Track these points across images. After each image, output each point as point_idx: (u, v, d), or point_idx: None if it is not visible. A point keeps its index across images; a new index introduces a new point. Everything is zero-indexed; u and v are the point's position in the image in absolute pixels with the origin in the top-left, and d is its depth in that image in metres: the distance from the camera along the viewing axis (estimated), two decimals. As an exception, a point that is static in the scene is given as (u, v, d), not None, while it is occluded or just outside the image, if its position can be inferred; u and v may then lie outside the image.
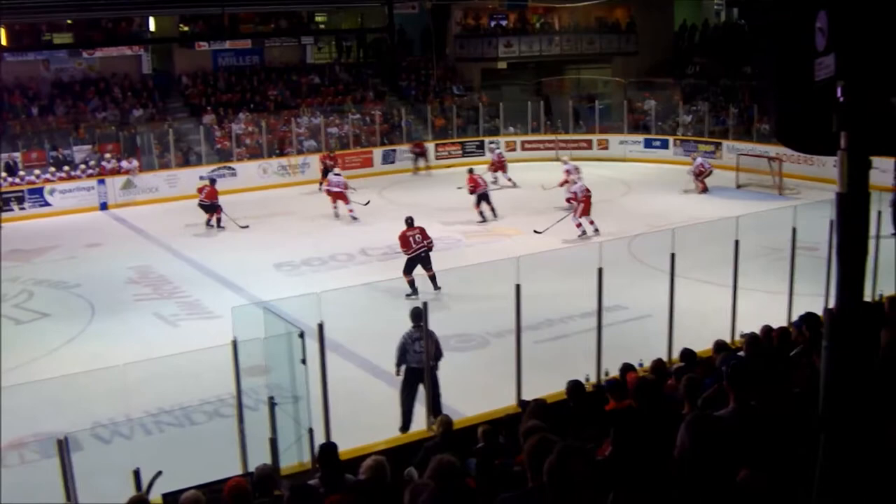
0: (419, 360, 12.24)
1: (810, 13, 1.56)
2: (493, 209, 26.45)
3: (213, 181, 28.13)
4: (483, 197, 26.50)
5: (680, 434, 4.53)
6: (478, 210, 26.28)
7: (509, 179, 32.02)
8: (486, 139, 38.32)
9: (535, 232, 23.31)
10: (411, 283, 18.82)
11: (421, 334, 12.10)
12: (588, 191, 24.16)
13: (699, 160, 30.09)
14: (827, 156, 1.61)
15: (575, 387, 9.49)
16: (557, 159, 32.40)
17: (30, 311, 19.42)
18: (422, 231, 19.31)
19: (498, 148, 35.02)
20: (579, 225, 23.95)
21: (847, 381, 1.60)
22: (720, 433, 4.56)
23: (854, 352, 1.58)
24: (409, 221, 19.51)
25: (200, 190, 27.39)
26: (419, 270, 18.94)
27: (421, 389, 12.27)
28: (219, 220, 26.94)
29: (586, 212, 24.02)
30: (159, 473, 8.50)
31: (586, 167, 32.61)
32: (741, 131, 34.56)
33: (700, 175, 29.25)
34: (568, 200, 24.84)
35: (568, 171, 27.80)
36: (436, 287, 18.78)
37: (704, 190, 29.02)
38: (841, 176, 1.52)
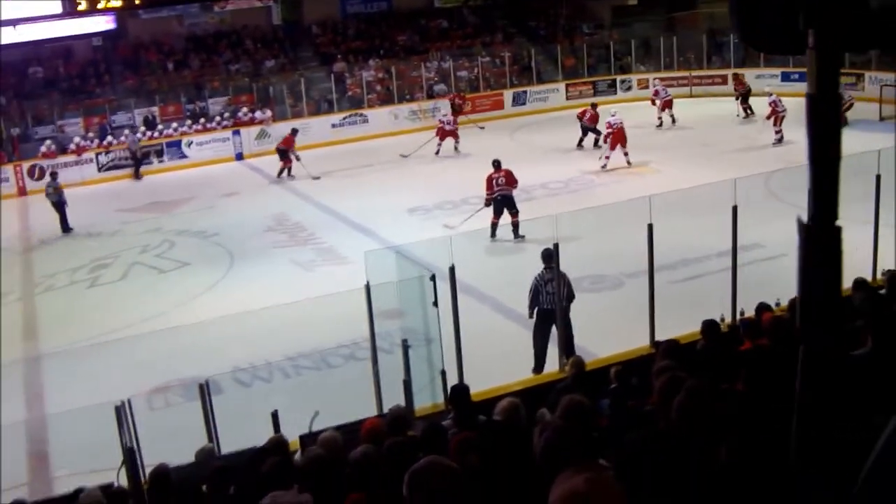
0: (551, 302, 12.18)
1: None
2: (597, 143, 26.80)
3: (294, 131, 28.75)
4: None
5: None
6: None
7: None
8: (619, 77, 37.72)
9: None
10: (493, 227, 18.84)
11: (553, 276, 12.03)
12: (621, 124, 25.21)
13: (845, 94, 29.07)
14: (794, 55, 1.50)
15: (710, 326, 9.31)
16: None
17: (172, 260, 20.01)
18: (507, 174, 19.21)
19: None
20: (608, 157, 25.02)
21: (820, 299, 1.52)
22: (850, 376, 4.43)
23: (828, 264, 1.50)
24: (496, 164, 19.48)
25: (282, 137, 28.42)
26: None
27: (554, 331, 12.23)
28: (289, 170, 27.67)
29: (615, 145, 25.05)
30: (317, 413, 8.71)
31: (720, 102, 31.98)
32: (885, 62, 33.19)
33: (840, 108, 28.23)
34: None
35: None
36: (517, 236, 18.68)
37: (845, 123, 27.99)
38: (810, 76, 1.42)
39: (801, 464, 1.71)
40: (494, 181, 19.07)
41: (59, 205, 23.63)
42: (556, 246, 11.73)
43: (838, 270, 1.53)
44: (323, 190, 25.31)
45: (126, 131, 31.36)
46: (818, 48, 1.41)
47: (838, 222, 1.51)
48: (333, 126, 33.35)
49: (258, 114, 32.81)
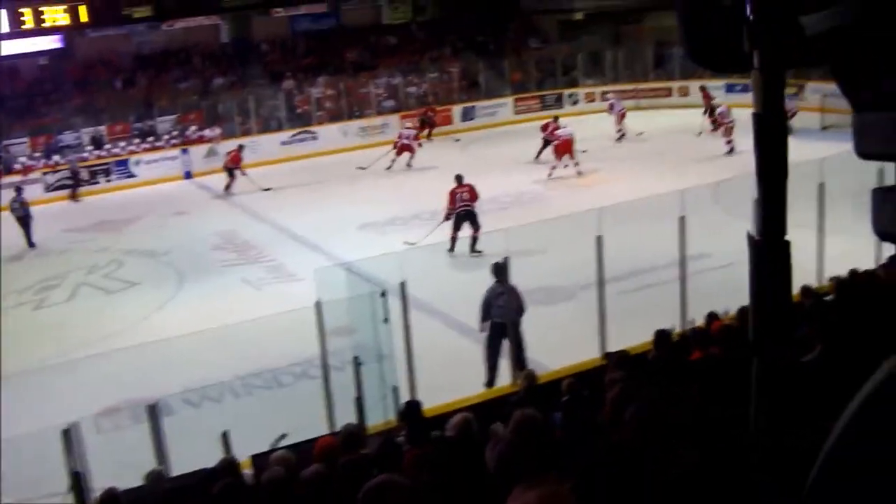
0: (502, 315, 12.19)
1: None
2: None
3: (240, 147, 28.82)
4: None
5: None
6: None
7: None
8: (566, 91, 37.97)
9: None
10: (453, 240, 18.82)
11: (503, 289, 12.06)
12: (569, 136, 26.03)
13: (788, 104, 29.39)
14: (740, 73, 1.55)
15: (661, 336, 9.36)
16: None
17: (120, 280, 19.79)
18: (470, 189, 19.25)
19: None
20: (553, 167, 25.83)
21: (771, 311, 1.55)
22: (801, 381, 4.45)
23: (778, 277, 1.53)
24: (459, 178, 19.52)
25: (228, 153, 28.46)
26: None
27: (506, 344, 12.24)
28: (228, 186, 27.78)
29: (561, 155, 25.88)
30: (283, 435, 8.64)
31: (667, 115, 32.30)
32: (826, 72, 33.56)
33: (789, 114, 28.59)
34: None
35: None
36: (473, 250, 18.70)
37: (789, 132, 28.19)
38: (755, 96, 1.46)
39: (760, 473, 1.73)
40: (458, 196, 19.08)
41: (25, 220, 23.41)
42: (507, 259, 11.76)
43: (788, 283, 1.56)
44: (272, 207, 25.18)
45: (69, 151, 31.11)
46: (762, 68, 1.45)
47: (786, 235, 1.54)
48: (283, 143, 33.20)
49: (207, 132, 32.58)
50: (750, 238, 1.53)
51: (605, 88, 37.64)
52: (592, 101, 37.22)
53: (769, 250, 1.52)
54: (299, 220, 23.21)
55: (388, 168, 28.66)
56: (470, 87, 37.88)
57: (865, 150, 1.37)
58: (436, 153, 30.21)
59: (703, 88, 32.65)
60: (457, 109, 36.66)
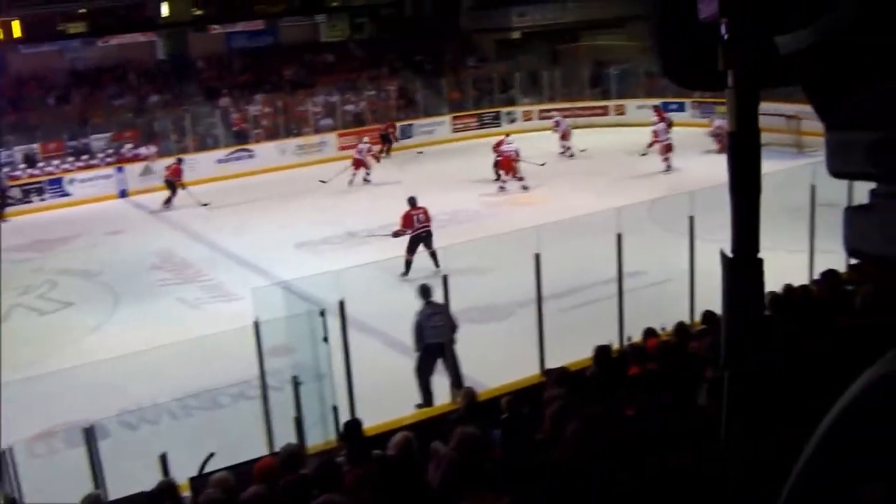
0: (437, 336, 12.21)
1: None
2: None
3: (179, 160, 28.98)
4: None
5: (701, 397, 4.51)
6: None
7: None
8: (503, 109, 38.19)
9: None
10: (408, 264, 18.76)
11: (434, 309, 12.13)
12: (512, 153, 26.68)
13: (717, 121, 29.76)
14: (716, 91, 1.60)
15: (601, 351, 9.44)
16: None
17: (54, 301, 19.50)
18: (425, 212, 19.31)
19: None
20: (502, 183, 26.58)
21: (745, 325, 1.60)
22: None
23: (751, 293, 1.58)
24: (412, 201, 19.49)
25: (167, 167, 28.52)
26: (420, 249, 19.00)
27: (442, 364, 12.27)
28: (168, 200, 27.80)
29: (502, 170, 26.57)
30: (212, 455, 8.55)
31: (604, 133, 32.62)
32: (766, 93, 34.08)
33: (719, 136, 28.99)
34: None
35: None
36: (436, 265, 18.70)
37: (723, 150, 28.46)
38: (730, 115, 1.51)
39: (735, 488, 1.78)
40: (415, 218, 19.07)
41: None
42: (446, 277, 11.79)
43: (761, 299, 1.61)
44: (209, 226, 25.00)
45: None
46: (736, 87, 1.49)
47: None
48: (219, 161, 33.01)
49: (142, 150, 32.30)
50: (723, 255, 1.57)
51: (542, 107, 37.97)
52: (530, 119, 37.54)
53: (743, 267, 1.57)
54: (236, 238, 23.08)
55: (350, 183, 28.68)
56: (408, 106, 37.97)
57: (839, 170, 1.41)
58: (373, 173, 30.20)
59: (656, 108, 32.92)
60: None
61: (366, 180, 29.11)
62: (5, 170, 30.15)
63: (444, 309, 11.89)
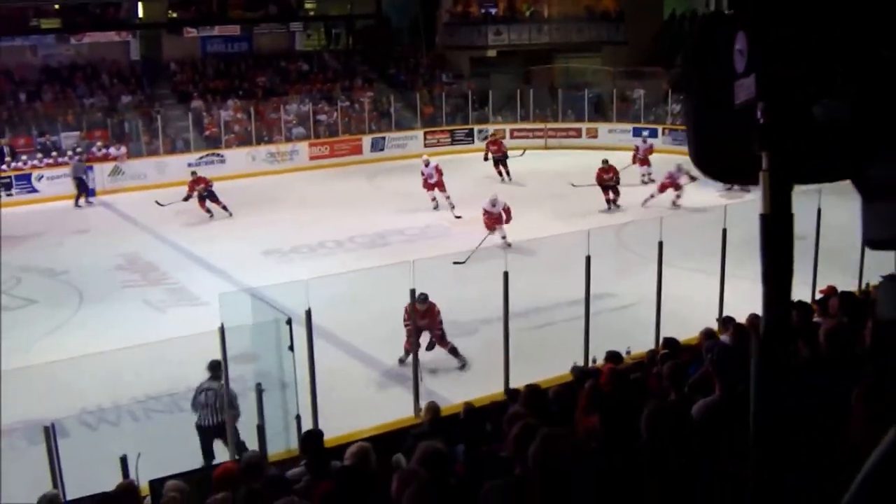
0: (205, 417, 11.08)
1: (729, 36, 1.59)
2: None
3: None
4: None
5: (642, 425, 4.57)
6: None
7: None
8: (476, 127, 38.29)
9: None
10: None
11: (212, 386, 11.05)
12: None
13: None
14: (748, 185, 1.63)
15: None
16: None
17: (17, 297, 19.35)
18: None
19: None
20: (433, 199, 26.00)
21: (775, 401, 1.64)
22: (681, 424, 4.61)
23: (782, 371, 1.62)
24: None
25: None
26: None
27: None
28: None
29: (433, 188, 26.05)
30: (139, 456, 8.53)
31: (574, 155, 32.65)
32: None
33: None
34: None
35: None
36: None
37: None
38: (763, 197, 1.53)
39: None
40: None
41: None
42: (422, 293, 11.78)
43: (792, 380, 1.64)
44: (177, 230, 24.86)
45: (73, 156, 31.12)
46: (771, 170, 1.51)
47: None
48: (190, 165, 32.84)
49: (112, 150, 32.13)
50: (755, 334, 1.60)
51: (514, 126, 38.10)
52: (502, 138, 37.62)
53: (774, 349, 1.58)
54: (204, 243, 22.98)
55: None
56: (381, 118, 38.00)
57: (875, 238, 1.43)
58: (342, 183, 30.22)
59: (641, 135, 32.86)
60: (366, 140, 36.72)
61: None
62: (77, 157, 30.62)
63: (218, 387, 10.87)
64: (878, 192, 1.40)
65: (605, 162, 26.11)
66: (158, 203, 25.76)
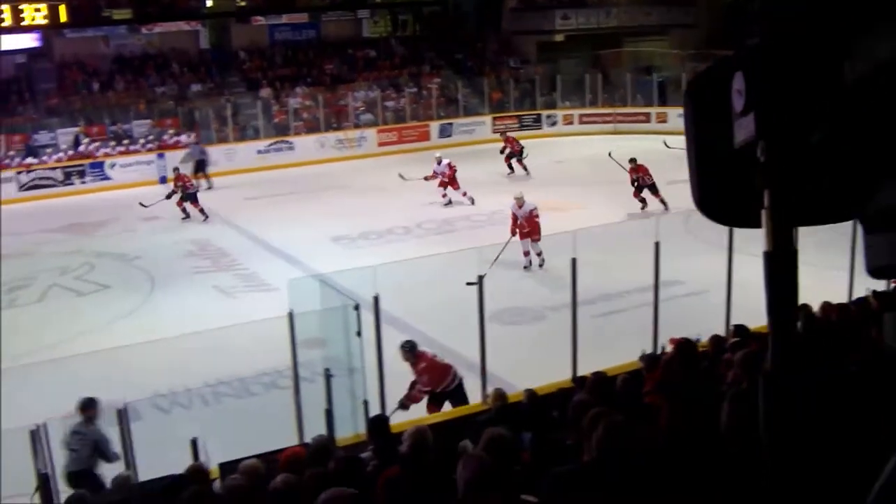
0: (72, 462, 9.71)
1: (727, 76, 1.58)
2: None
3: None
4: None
5: (724, 410, 4.51)
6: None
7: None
8: (544, 112, 38.14)
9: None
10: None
11: (80, 428, 9.83)
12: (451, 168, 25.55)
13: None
14: (751, 228, 1.61)
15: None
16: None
17: (91, 282, 19.70)
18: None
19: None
20: (444, 195, 25.42)
21: (788, 441, 1.62)
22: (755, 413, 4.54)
23: (792, 407, 1.60)
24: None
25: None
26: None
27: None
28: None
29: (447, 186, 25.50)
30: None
31: (645, 140, 32.26)
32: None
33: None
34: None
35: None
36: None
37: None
38: (766, 234, 1.52)
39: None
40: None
41: None
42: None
43: (800, 415, 1.62)
44: (247, 217, 25.12)
45: (189, 140, 31.89)
46: (773, 207, 1.51)
47: None
48: (259, 152, 33.23)
49: (183, 137, 32.56)
50: (764, 372, 1.59)
51: (583, 111, 37.88)
52: (570, 123, 37.45)
53: (780, 385, 1.58)
54: (274, 230, 23.16)
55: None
56: (448, 105, 37.99)
57: (878, 266, 1.42)
58: (411, 171, 30.25)
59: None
60: (434, 126, 36.75)
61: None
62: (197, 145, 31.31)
63: (88, 431, 9.80)
64: (879, 223, 1.39)
65: (633, 161, 23.70)
66: (142, 205, 25.12)
